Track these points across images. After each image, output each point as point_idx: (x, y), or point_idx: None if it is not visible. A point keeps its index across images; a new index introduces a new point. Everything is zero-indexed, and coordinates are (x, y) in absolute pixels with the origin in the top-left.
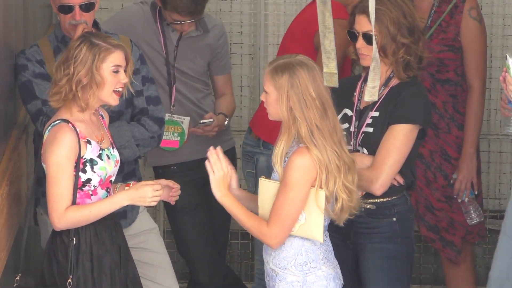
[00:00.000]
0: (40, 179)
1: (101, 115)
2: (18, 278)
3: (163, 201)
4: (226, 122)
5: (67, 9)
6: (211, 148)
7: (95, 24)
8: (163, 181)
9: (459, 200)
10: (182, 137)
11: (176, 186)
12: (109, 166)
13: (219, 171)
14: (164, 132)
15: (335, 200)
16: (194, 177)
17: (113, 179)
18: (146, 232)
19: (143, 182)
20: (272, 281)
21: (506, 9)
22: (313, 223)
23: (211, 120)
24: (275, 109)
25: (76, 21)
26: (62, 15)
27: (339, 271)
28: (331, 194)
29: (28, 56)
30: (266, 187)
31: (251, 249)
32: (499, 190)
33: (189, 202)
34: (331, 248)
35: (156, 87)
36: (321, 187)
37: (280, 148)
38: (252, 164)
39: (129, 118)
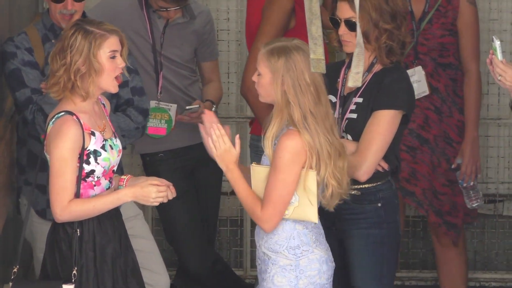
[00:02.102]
0: (22, 168)
1: (103, 104)
2: (15, 270)
3: None
4: (213, 109)
5: None
6: (214, 125)
7: (83, 14)
8: (165, 181)
9: (465, 185)
10: (169, 124)
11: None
12: (112, 156)
13: (221, 146)
14: (151, 120)
15: (325, 186)
16: (181, 164)
17: (115, 168)
18: (132, 219)
19: (149, 180)
20: (264, 264)
21: None
22: (306, 204)
23: (197, 106)
24: (267, 91)
25: (68, 11)
26: (53, 4)
27: (330, 253)
28: (321, 180)
29: (17, 43)
30: (258, 173)
31: (240, 236)
32: (487, 174)
33: (177, 189)
34: (322, 231)
35: (141, 78)
36: (311, 168)
37: (272, 131)
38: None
39: (113, 109)
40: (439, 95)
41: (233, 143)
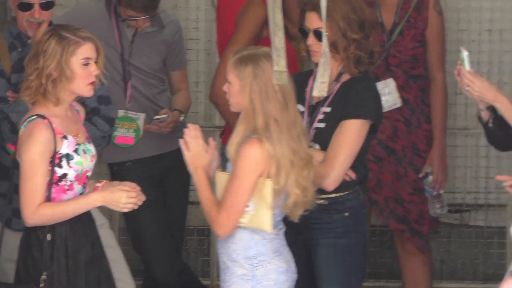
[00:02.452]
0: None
1: (77, 110)
2: None
3: None
4: (181, 118)
5: (27, 6)
6: (190, 125)
7: (50, 23)
8: (136, 186)
9: (434, 193)
10: (138, 133)
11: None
12: (85, 160)
13: (194, 147)
14: (119, 129)
15: (287, 195)
16: (149, 173)
17: (89, 174)
18: (98, 227)
19: (120, 186)
20: (223, 274)
21: (461, 3)
22: (262, 213)
23: (166, 116)
24: (237, 100)
25: (35, 19)
26: (20, 12)
27: (293, 264)
28: (281, 189)
29: None
30: (222, 179)
31: (207, 245)
32: (454, 184)
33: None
34: (285, 242)
35: (107, 87)
36: (269, 178)
37: (236, 138)
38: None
39: None
40: (409, 106)
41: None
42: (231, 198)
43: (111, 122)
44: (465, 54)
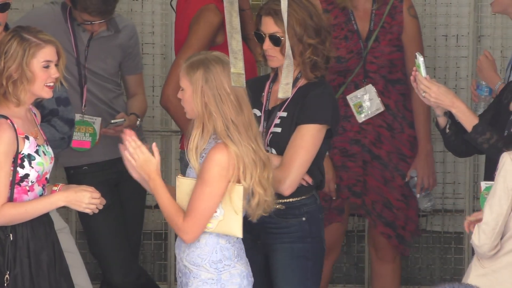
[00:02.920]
0: None
1: (34, 113)
2: None
3: None
4: (138, 122)
5: None
6: (127, 136)
7: (6, 26)
8: (94, 190)
9: (418, 195)
10: (94, 137)
11: (102, 200)
12: (45, 162)
13: (139, 156)
14: (76, 133)
15: (252, 194)
16: (106, 177)
17: (48, 176)
18: (58, 232)
19: (83, 186)
20: (186, 278)
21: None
22: (231, 218)
23: (122, 120)
24: (191, 106)
25: None
26: None
27: (250, 268)
28: (247, 188)
29: None
30: (184, 185)
31: (164, 249)
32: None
33: None
34: (243, 246)
35: (66, 89)
36: (239, 182)
37: (194, 143)
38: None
39: None
40: (390, 111)
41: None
42: (201, 204)
43: (70, 123)
44: (420, 60)
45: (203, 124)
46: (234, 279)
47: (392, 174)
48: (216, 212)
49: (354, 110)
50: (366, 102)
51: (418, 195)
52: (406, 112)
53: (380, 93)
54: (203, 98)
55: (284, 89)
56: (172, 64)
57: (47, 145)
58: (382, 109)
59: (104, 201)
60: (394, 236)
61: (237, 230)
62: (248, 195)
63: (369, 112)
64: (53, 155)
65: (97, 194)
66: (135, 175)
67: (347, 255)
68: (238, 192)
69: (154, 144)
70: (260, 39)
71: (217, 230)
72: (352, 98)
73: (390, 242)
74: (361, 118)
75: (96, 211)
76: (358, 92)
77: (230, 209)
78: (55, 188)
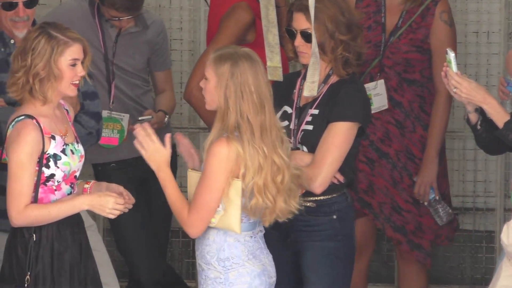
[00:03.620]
0: None
1: (66, 110)
2: None
3: None
4: (166, 119)
5: (10, 5)
6: (138, 125)
7: (33, 22)
8: (123, 189)
9: (425, 203)
10: (122, 134)
11: (130, 199)
12: (73, 161)
13: (149, 146)
14: (104, 129)
15: (251, 195)
16: (133, 174)
17: (77, 174)
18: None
19: (108, 191)
20: (199, 276)
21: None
22: (230, 214)
23: (150, 116)
24: (212, 97)
25: (20, 18)
26: (3, 11)
27: (270, 268)
28: (246, 189)
29: None
30: (194, 178)
31: (192, 247)
32: (463, 188)
33: None
34: (262, 245)
35: (94, 83)
36: (237, 178)
37: (211, 136)
38: None
39: None
40: (402, 109)
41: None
42: (201, 197)
43: (97, 117)
44: (451, 55)
45: (223, 119)
46: (243, 278)
47: (401, 174)
48: (219, 207)
49: None
50: (375, 96)
51: (430, 209)
52: (422, 114)
53: (393, 90)
54: (225, 92)
55: (309, 87)
56: (199, 58)
57: (77, 142)
58: (386, 106)
59: (133, 200)
60: (405, 242)
61: (235, 226)
62: (246, 194)
63: (374, 107)
64: (83, 153)
65: (121, 200)
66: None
67: (376, 253)
68: (236, 187)
69: (167, 135)
70: (292, 35)
71: (219, 225)
72: None
73: (400, 248)
74: None
75: (122, 212)
76: (370, 85)
77: (229, 204)
78: (86, 186)
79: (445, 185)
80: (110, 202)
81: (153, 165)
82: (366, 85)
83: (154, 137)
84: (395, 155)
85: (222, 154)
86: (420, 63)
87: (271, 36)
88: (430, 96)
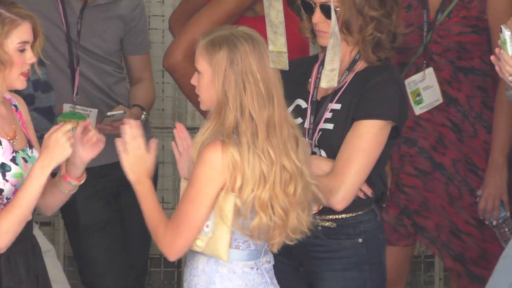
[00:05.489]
0: None
1: (15, 105)
2: None
3: (63, 218)
4: (142, 117)
5: None
6: (131, 121)
7: None
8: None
9: (487, 222)
10: None
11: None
12: (26, 171)
13: (134, 151)
14: None
15: (252, 214)
16: (102, 186)
17: None
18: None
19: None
20: None
21: None
22: (220, 236)
23: (122, 112)
24: (208, 94)
25: None
26: None
27: None
28: (242, 206)
29: None
30: (184, 188)
31: (177, 279)
32: None
33: (96, 219)
34: (268, 280)
35: (45, 69)
36: (232, 191)
37: (202, 137)
38: None
39: None
40: (459, 108)
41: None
42: (183, 210)
43: (49, 114)
44: (507, 34)
45: (220, 116)
46: None
47: (459, 189)
48: (207, 226)
49: (411, 99)
50: (424, 90)
51: (490, 225)
52: (485, 111)
53: (447, 83)
54: (225, 84)
55: (328, 77)
56: (192, 18)
57: (30, 147)
58: (441, 100)
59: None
60: (464, 273)
61: (222, 251)
62: (246, 213)
63: (425, 103)
64: None
65: (66, 126)
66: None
67: (411, 286)
68: (230, 203)
69: (153, 140)
70: (309, 9)
71: (207, 250)
72: (409, 84)
73: (459, 282)
74: (418, 109)
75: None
76: (416, 77)
77: (220, 224)
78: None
79: None
80: (58, 135)
81: (132, 175)
82: (410, 78)
83: (141, 142)
84: (452, 165)
85: (215, 162)
86: (478, 46)
87: (274, 12)
88: (494, 87)
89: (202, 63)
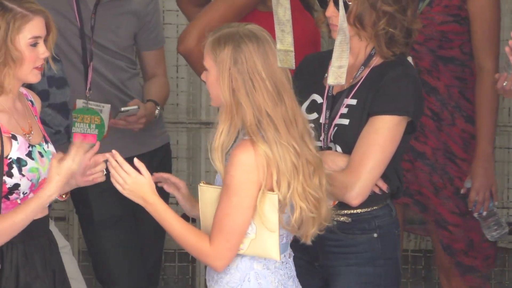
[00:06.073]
0: None
1: (31, 101)
2: None
3: (77, 213)
4: (157, 112)
5: None
6: (107, 154)
7: None
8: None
9: (475, 214)
10: (101, 129)
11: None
12: (42, 166)
13: (125, 179)
14: (78, 124)
15: (291, 209)
16: None
17: None
18: None
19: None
20: None
21: None
22: (265, 237)
23: (136, 107)
24: (217, 91)
25: None
26: None
27: None
28: (285, 202)
29: None
30: (208, 195)
31: (191, 273)
32: (508, 196)
33: (110, 214)
34: (293, 273)
35: (61, 65)
36: (272, 190)
37: (219, 141)
38: None
39: None
40: (438, 97)
41: None
42: (229, 220)
43: (64, 110)
44: None
45: (231, 116)
46: None
47: (442, 178)
48: (248, 228)
49: None
50: None
51: (476, 216)
52: (463, 101)
53: (427, 72)
54: (231, 83)
55: (335, 73)
56: (209, 4)
57: (46, 142)
58: None
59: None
60: (454, 264)
61: (274, 252)
62: (287, 209)
63: None
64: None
65: (79, 151)
66: None
67: (425, 281)
68: (270, 202)
69: (135, 160)
70: (323, 3)
71: (249, 252)
72: None
73: (449, 273)
74: None
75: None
76: None
77: (263, 224)
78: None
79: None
80: (69, 161)
81: (137, 200)
82: None
83: (127, 166)
84: (432, 154)
85: (249, 162)
86: (459, 36)
87: (282, 10)
88: (472, 79)
89: (208, 61)
